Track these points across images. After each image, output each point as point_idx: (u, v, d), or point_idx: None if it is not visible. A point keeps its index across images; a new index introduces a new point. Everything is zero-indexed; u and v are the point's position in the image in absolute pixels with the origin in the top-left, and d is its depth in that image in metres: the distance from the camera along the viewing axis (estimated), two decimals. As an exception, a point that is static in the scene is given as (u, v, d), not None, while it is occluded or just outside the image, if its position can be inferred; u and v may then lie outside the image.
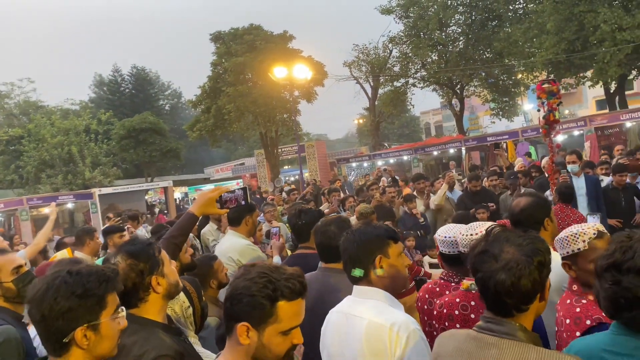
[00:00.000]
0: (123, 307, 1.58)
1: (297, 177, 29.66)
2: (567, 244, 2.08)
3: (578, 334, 1.92)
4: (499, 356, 1.47)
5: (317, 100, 26.48)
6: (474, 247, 1.61)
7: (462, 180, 11.08)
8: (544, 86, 5.96)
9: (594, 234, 2.06)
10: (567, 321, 1.98)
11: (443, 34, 25.23)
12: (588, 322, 1.91)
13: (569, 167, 6.56)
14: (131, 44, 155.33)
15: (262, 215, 7.64)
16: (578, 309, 1.97)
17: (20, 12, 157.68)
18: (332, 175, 25.84)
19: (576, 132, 17.55)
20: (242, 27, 26.24)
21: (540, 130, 6.28)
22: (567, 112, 35.47)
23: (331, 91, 28.54)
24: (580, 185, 6.41)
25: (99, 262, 2.41)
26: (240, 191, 2.70)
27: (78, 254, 4.57)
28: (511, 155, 17.11)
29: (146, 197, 28.25)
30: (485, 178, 8.29)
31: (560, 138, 19.58)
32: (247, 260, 3.74)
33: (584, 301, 2.00)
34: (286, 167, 34.27)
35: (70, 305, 1.44)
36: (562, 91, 27.49)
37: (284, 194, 8.93)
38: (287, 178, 30.17)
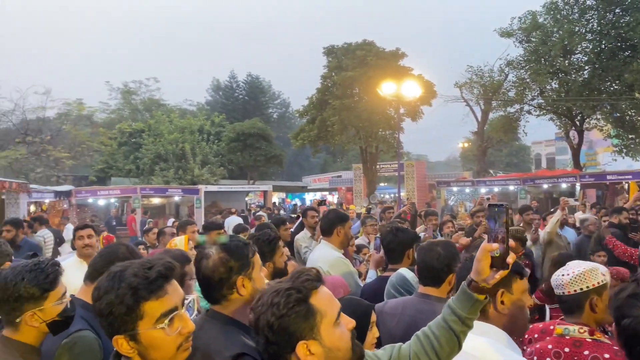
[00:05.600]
0: (177, 313, 1.40)
1: (393, 195, 29.24)
2: None
3: None
4: None
5: (421, 120, 26.00)
6: (620, 292, 1.45)
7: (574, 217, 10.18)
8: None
9: None
10: None
11: (566, 61, 23.53)
12: None
13: None
14: (248, 52, 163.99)
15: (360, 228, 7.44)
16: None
17: (150, 16, 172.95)
18: (430, 197, 25.15)
19: None
20: (355, 42, 26.50)
21: None
22: None
23: (436, 112, 27.84)
24: None
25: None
26: None
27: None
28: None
29: (246, 198, 29.43)
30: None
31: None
32: (337, 273, 3.53)
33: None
34: (382, 184, 33.92)
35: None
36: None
37: (377, 211, 8.65)
38: (382, 195, 29.84)
